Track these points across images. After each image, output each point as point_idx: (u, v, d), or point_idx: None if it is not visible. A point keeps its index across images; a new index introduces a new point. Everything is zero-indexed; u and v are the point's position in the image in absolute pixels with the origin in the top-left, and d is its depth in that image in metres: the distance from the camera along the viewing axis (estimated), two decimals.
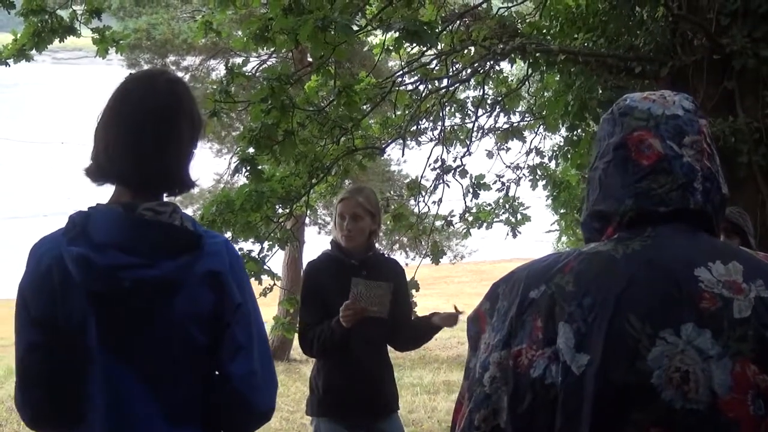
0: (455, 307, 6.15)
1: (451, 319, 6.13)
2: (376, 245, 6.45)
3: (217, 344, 2.98)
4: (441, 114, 11.85)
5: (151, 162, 2.95)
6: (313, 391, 6.12)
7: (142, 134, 2.94)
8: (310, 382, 6.18)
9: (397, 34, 8.33)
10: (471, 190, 12.29)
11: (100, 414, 2.92)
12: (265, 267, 9.78)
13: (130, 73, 3.12)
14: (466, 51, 10.83)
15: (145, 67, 23.36)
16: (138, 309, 2.89)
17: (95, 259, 2.83)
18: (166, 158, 2.97)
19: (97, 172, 3.01)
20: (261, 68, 18.09)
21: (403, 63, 11.45)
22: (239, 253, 9.28)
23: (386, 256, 6.94)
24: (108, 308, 2.88)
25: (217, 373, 3.04)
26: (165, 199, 3.06)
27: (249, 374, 3.00)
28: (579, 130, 10.79)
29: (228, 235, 9.41)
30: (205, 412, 3.03)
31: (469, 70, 10.94)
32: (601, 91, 9.42)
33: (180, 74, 23.13)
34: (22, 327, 2.96)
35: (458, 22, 10.72)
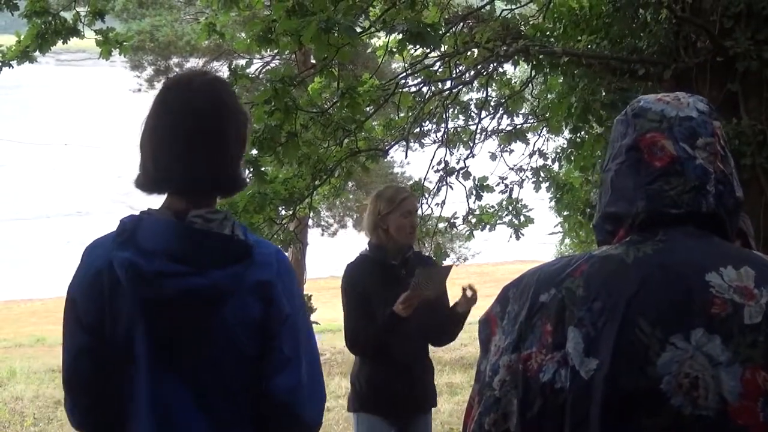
0: (464, 289, 6.24)
1: (470, 301, 6.22)
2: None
3: (264, 355, 2.94)
4: (444, 116, 11.87)
5: (201, 167, 2.92)
6: (354, 387, 6.23)
7: (188, 140, 2.91)
8: (352, 379, 6.30)
9: (400, 36, 8.35)
10: (474, 192, 12.29)
11: (146, 423, 2.90)
12: None
13: (167, 78, 3.09)
14: (469, 53, 10.84)
15: (149, 69, 23.40)
16: (186, 318, 2.87)
17: (142, 265, 2.81)
18: (214, 161, 2.94)
19: (147, 182, 2.98)
20: (264, 70, 18.07)
21: (406, 65, 11.47)
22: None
23: (422, 254, 6.99)
24: (156, 316, 2.86)
25: (264, 384, 2.99)
26: (218, 201, 3.04)
27: (295, 387, 2.96)
28: (582, 132, 10.78)
29: None
30: (252, 423, 3.00)
31: (472, 72, 10.95)
32: (604, 94, 9.40)
33: None
34: (71, 331, 2.95)
35: (461, 24, 10.73)
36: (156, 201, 3.05)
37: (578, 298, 2.13)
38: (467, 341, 16.76)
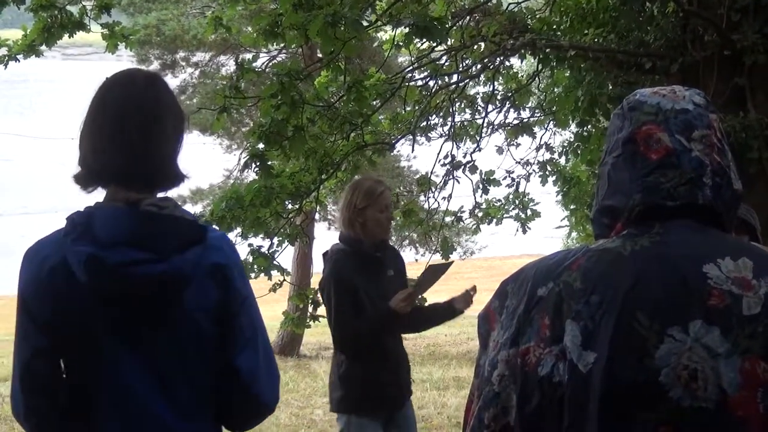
0: (469, 290, 6.27)
1: (467, 299, 6.24)
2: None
3: (224, 337, 2.97)
4: (451, 110, 11.84)
5: (143, 158, 2.93)
6: (344, 388, 6.06)
7: (130, 132, 2.91)
8: (341, 380, 6.08)
9: (407, 29, 8.32)
10: (481, 185, 12.28)
11: (110, 414, 2.91)
12: (275, 263, 9.79)
13: (107, 77, 3.10)
14: (476, 47, 10.83)
15: (155, 63, 23.40)
16: (149, 305, 2.88)
17: (105, 257, 2.80)
18: (155, 154, 2.95)
19: (88, 177, 2.98)
20: (271, 64, 18.06)
21: (413, 59, 11.46)
22: (249, 248, 9.35)
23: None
24: (119, 306, 2.86)
25: (224, 366, 3.02)
26: (159, 195, 3.03)
27: (255, 367, 3.00)
28: (589, 126, 10.78)
29: (238, 230, 9.44)
30: (212, 407, 3.03)
31: (479, 66, 10.93)
32: (611, 87, 9.40)
33: (190, 70, 23.25)
34: (26, 333, 2.93)
35: (468, 17, 10.71)
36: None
37: (576, 292, 2.14)
38: (473, 335, 16.76)
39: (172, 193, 3.05)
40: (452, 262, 6.09)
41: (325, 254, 6.25)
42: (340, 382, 6.08)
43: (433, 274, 6.00)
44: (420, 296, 5.95)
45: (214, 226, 3.21)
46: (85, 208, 2.94)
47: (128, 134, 2.92)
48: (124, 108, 2.95)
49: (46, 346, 2.90)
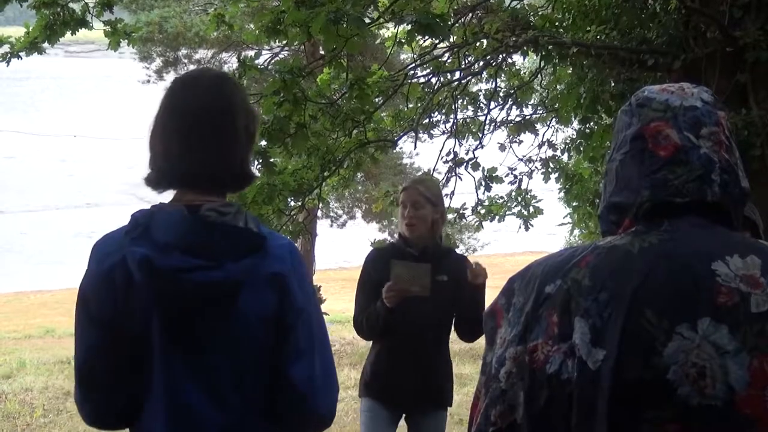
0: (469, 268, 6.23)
1: (477, 270, 6.18)
2: (441, 237, 6.58)
3: (279, 347, 2.96)
4: (453, 107, 11.86)
5: (212, 162, 2.95)
6: (363, 373, 6.33)
7: (198, 134, 2.94)
8: (364, 367, 6.40)
9: (409, 26, 8.34)
10: (483, 182, 12.28)
11: (161, 417, 2.92)
12: None
13: (176, 77, 3.13)
14: (478, 44, 10.83)
15: (158, 60, 23.40)
16: (202, 311, 2.89)
17: (158, 260, 2.82)
18: (225, 156, 2.97)
19: (158, 179, 3.00)
20: (273, 61, 18.07)
21: (415, 56, 11.48)
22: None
23: (451, 249, 6.99)
24: (171, 310, 2.87)
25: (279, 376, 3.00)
26: (229, 196, 3.07)
27: (310, 378, 2.97)
28: (591, 123, 10.77)
29: None
30: (266, 417, 3.01)
31: (481, 63, 10.96)
32: (613, 84, 9.40)
33: (192, 67, 23.22)
34: (83, 328, 2.95)
35: (470, 14, 10.72)
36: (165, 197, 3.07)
37: (584, 289, 2.13)
38: None
39: None
40: (428, 265, 5.99)
41: None
42: (363, 369, 6.38)
43: (405, 270, 5.93)
44: (417, 292, 5.89)
45: (279, 235, 3.15)
46: (151, 207, 2.96)
47: (197, 138, 2.94)
48: (192, 111, 2.97)
49: (101, 343, 2.92)
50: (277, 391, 2.99)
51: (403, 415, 6.35)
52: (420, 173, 14.39)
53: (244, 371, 2.94)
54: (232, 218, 2.92)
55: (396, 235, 6.43)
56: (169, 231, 2.87)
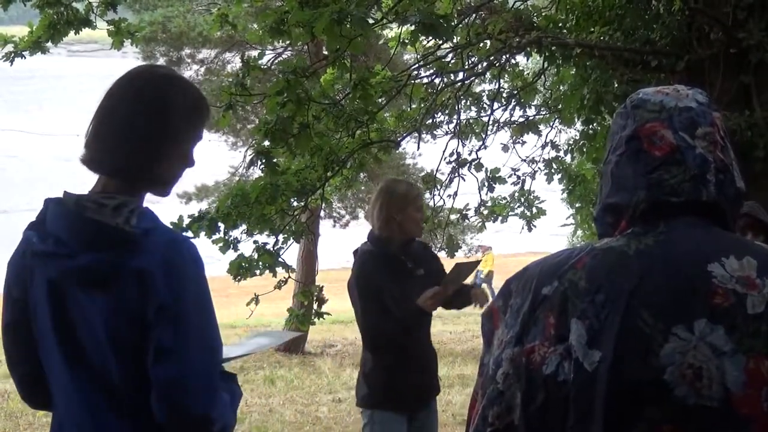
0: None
1: (479, 298, 6.40)
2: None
3: (144, 345, 2.87)
4: (456, 107, 11.86)
5: (112, 154, 2.94)
6: (368, 384, 6.23)
7: (108, 126, 2.96)
8: (367, 377, 6.27)
9: (412, 27, 8.31)
10: (486, 183, 12.27)
11: (58, 400, 3.01)
12: (280, 260, 9.80)
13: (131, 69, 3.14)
14: (481, 44, 10.82)
15: (161, 59, 23.40)
16: (71, 299, 2.91)
17: (36, 244, 2.93)
18: (129, 152, 2.94)
19: (82, 160, 3.02)
20: (277, 61, 18.07)
21: (418, 56, 11.45)
22: (255, 245, 9.33)
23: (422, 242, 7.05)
24: (51, 295, 2.92)
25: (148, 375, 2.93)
26: (145, 194, 3.03)
27: (175, 378, 2.86)
28: (595, 124, 10.79)
29: (243, 227, 9.45)
30: (144, 412, 2.93)
31: (484, 64, 10.94)
32: (617, 85, 9.40)
33: (195, 67, 23.25)
34: (4, 304, 3.04)
35: (474, 15, 10.72)
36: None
37: (581, 290, 2.14)
38: (478, 333, 16.70)
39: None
40: (479, 261, 6.17)
41: (355, 252, 6.42)
42: (365, 380, 6.27)
43: (459, 272, 6.09)
44: (451, 291, 6.03)
45: (171, 232, 3.07)
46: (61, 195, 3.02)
47: (104, 127, 2.96)
48: (112, 103, 2.99)
49: (15, 320, 3.03)
50: (146, 389, 2.89)
51: None
52: (423, 174, 14.35)
53: (118, 366, 2.90)
54: (110, 210, 2.89)
55: (369, 239, 6.37)
56: (53, 219, 2.95)
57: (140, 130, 2.96)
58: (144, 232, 2.89)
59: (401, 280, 6.07)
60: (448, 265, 6.37)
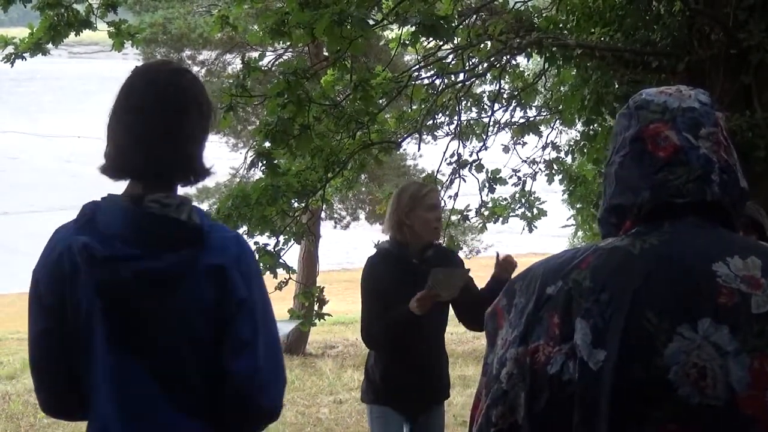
0: (497, 255, 6.46)
1: (504, 265, 6.38)
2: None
3: (220, 340, 2.94)
4: (457, 108, 11.85)
5: (160, 153, 2.96)
6: (369, 379, 6.29)
7: (150, 125, 2.95)
8: (366, 371, 6.34)
9: (413, 28, 8.33)
10: (487, 184, 12.26)
11: (108, 407, 2.95)
12: (281, 261, 9.80)
13: (136, 68, 3.13)
14: (482, 45, 10.82)
15: None
16: (140, 302, 2.90)
17: (97, 249, 2.86)
18: (175, 148, 2.98)
19: (111, 169, 3.02)
20: (277, 62, 18.08)
21: (419, 57, 11.45)
22: (255, 246, 9.33)
23: (444, 248, 7.01)
24: (112, 299, 2.89)
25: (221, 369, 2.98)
26: (180, 189, 3.06)
27: (252, 371, 2.95)
28: (595, 125, 10.77)
29: (243, 229, 9.45)
30: (213, 407, 3.00)
31: (485, 65, 10.93)
32: (617, 86, 9.38)
33: (196, 68, 23.22)
34: (34, 312, 3.00)
35: (475, 16, 10.72)
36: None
37: (585, 290, 2.14)
38: (479, 334, 16.74)
39: (178, 190, 3.06)
40: (468, 270, 6.09)
41: (375, 246, 6.58)
42: (365, 375, 6.35)
43: (443, 277, 5.95)
44: (446, 296, 5.94)
45: (227, 228, 3.14)
46: (101, 198, 2.99)
47: (147, 129, 2.96)
48: (145, 102, 2.98)
49: (50, 328, 2.97)
50: (220, 384, 2.96)
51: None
52: (423, 175, 14.36)
53: (187, 363, 2.94)
54: (174, 210, 2.93)
55: (389, 241, 6.34)
56: (111, 221, 2.92)
57: (186, 130, 3.00)
58: (209, 229, 2.96)
59: (409, 286, 5.96)
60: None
